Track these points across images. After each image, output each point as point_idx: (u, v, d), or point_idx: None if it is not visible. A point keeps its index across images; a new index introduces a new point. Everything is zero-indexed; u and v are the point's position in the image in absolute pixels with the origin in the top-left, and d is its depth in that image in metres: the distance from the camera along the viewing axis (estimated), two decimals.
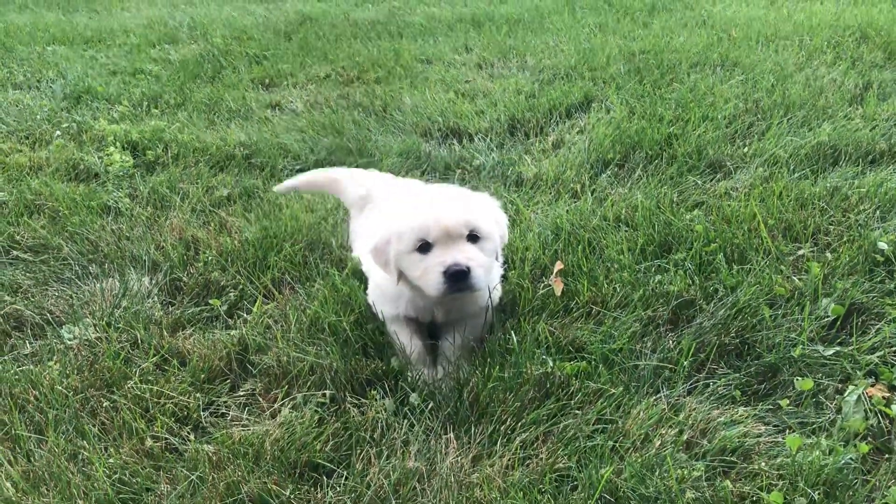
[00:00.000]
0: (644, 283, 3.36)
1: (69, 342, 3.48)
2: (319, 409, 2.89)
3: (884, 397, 2.73)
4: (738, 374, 2.91)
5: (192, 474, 2.61)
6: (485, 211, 3.11)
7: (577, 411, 2.77)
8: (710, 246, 3.56)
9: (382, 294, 3.26)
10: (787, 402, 2.76)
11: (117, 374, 3.15)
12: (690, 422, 2.68)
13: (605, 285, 3.36)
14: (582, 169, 4.63)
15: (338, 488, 2.56)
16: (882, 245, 3.48)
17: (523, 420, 2.75)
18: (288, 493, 2.52)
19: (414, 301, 3.16)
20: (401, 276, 3.02)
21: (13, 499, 2.55)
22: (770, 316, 3.11)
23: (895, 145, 4.62)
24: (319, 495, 2.54)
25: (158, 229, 4.38)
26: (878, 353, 2.93)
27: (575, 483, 2.49)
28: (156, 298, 3.76)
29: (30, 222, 4.44)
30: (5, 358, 3.37)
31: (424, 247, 2.91)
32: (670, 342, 3.06)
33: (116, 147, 5.49)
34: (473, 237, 2.97)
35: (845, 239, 3.63)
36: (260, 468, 2.63)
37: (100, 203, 4.68)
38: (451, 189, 3.35)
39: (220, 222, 4.42)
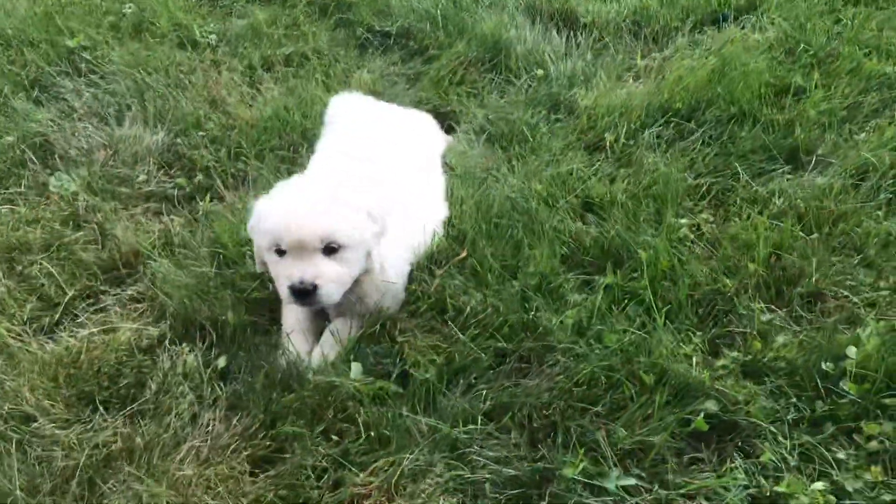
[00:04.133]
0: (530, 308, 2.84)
1: (52, 189, 3.87)
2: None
3: None
4: None
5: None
6: (349, 216, 2.78)
7: None
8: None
9: None
10: None
11: (51, 238, 3.48)
12: None
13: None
14: (635, 113, 3.79)
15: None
16: None
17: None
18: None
19: None
20: (265, 265, 2.87)
21: None
22: None
23: None
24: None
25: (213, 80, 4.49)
26: None
27: None
28: (151, 163, 3.97)
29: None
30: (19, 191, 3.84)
31: (280, 251, 2.72)
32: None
33: None
34: (330, 249, 2.72)
35: None
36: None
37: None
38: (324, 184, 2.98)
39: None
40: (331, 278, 2.70)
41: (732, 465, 2.35)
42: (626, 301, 2.83)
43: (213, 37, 4.95)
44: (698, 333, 2.73)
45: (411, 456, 2.47)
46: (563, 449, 2.43)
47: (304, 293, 2.67)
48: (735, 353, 2.65)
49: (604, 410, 2.52)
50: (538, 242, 3.08)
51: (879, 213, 3.12)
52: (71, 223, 3.61)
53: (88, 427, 2.70)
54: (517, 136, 3.79)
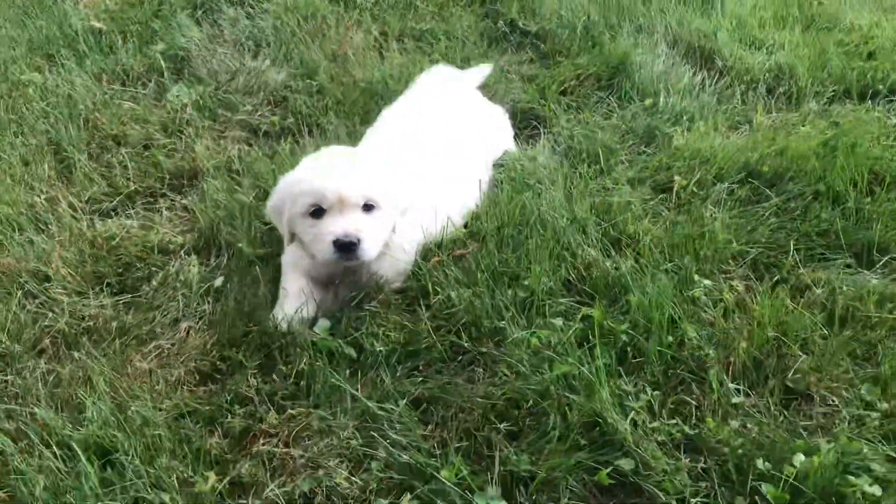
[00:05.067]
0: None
1: (169, 98, 4.28)
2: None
3: None
4: None
5: None
6: (385, 181, 2.94)
7: None
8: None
9: (292, 256, 3.12)
10: None
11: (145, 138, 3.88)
12: None
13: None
14: (717, 164, 3.58)
15: None
16: None
17: None
18: None
19: (312, 268, 3.05)
20: (293, 237, 3.00)
21: None
22: None
23: None
24: None
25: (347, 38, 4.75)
26: None
27: None
28: (260, 97, 4.29)
29: None
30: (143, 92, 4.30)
31: (317, 212, 2.86)
32: None
33: None
34: (368, 207, 2.87)
35: None
36: None
37: None
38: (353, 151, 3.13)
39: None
40: (371, 234, 2.83)
41: None
42: (600, 339, 2.72)
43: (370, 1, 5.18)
44: (656, 393, 2.58)
45: (324, 414, 2.55)
46: (455, 453, 2.40)
47: (349, 246, 2.78)
48: (679, 423, 2.48)
49: (515, 430, 2.46)
50: (545, 260, 3.02)
51: None
52: (168, 129, 3.97)
53: (86, 301, 3.00)
54: (592, 156, 3.70)
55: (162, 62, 4.47)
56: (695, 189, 3.48)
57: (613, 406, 2.50)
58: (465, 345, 2.78)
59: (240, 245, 3.21)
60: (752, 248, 3.17)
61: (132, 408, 2.53)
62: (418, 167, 3.17)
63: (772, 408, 2.56)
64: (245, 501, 2.34)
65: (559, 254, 3.08)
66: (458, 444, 2.45)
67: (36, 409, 2.50)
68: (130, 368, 2.74)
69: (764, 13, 4.91)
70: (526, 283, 2.96)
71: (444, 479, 2.31)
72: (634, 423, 2.47)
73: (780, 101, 4.19)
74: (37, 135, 3.90)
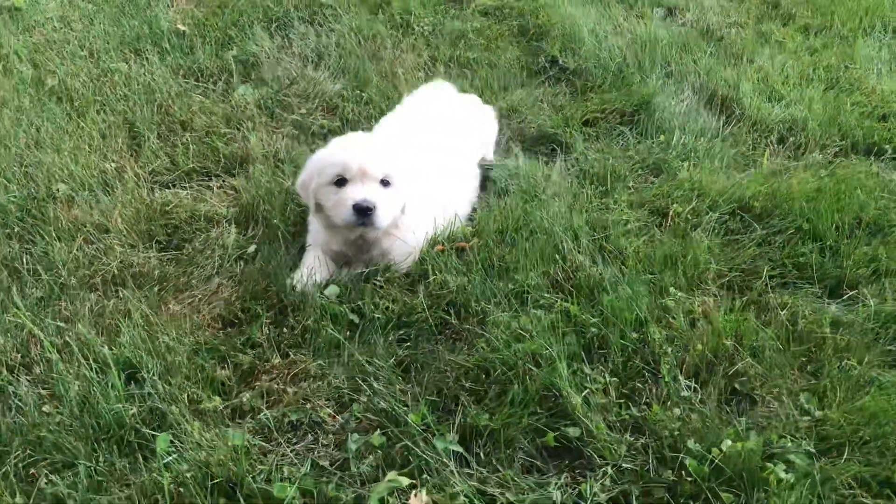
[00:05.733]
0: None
1: (236, 95, 4.80)
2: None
3: None
4: None
5: None
6: (402, 161, 3.41)
7: None
8: None
9: (313, 233, 3.60)
10: None
11: (209, 125, 4.41)
12: None
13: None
14: (711, 196, 3.90)
15: None
16: None
17: None
18: None
19: (329, 243, 3.51)
20: (318, 207, 3.42)
21: None
22: None
23: None
24: None
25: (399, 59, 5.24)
26: None
27: None
28: (315, 103, 4.79)
29: None
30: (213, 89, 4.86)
31: (341, 182, 3.31)
32: None
33: None
34: (385, 182, 3.32)
35: None
36: None
37: None
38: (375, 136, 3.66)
39: None
40: (385, 204, 3.28)
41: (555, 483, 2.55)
42: (572, 328, 3.07)
43: (427, 27, 5.66)
44: (614, 379, 2.90)
45: (321, 362, 2.95)
46: (425, 404, 2.76)
47: (366, 210, 3.22)
48: (629, 406, 2.80)
49: (481, 392, 2.82)
50: (536, 259, 3.39)
51: (876, 362, 3.03)
52: (229, 121, 4.48)
53: (136, 252, 3.48)
54: (600, 179, 4.06)
55: (233, 64, 5.00)
56: (689, 216, 3.79)
57: (571, 384, 2.83)
58: (453, 322, 3.15)
59: (274, 221, 3.66)
60: (730, 271, 3.47)
61: (160, 338, 2.98)
62: (424, 161, 3.59)
63: (715, 403, 2.85)
64: (241, 422, 2.74)
65: (550, 255, 3.43)
66: (429, 398, 2.81)
67: (80, 326, 2.96)
68: (164, 309, 3.20)
69: (791, 71, 5.21)
70: (517, 276, 3.33)
71: (411, 422, 2.68)
72: (587, 400, 2.80)
73: (788, 149, 4.47)
74: (115, 114, 4.45)
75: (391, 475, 2.54)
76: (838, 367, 2.97)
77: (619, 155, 4.33)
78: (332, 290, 3.28)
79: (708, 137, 4.50)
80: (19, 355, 2.95)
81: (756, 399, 2.90)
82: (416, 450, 2.61)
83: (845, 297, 3.37)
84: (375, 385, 2.86)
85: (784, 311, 3.24)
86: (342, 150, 3.37)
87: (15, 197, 3.75)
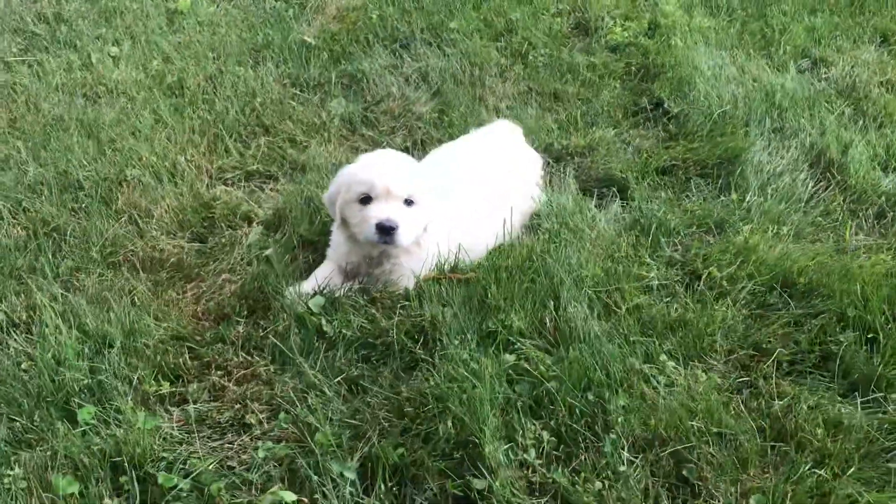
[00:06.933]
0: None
1: (328, 108, 5.02)
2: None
3: None
4: None
5: None
6: (426, 184, 3.46)
7: None
8: None
9: (334, 245, 3.69)
10: None
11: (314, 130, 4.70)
12: None
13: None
14: (751, 266, 3.53)
15: None
16: None
17: None
18: None
19: (349, 255, 3.59)
20: (343, 222, 3.51)
21: None
22: None
23: None
24: None
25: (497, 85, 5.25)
26: None
27: None
28: (404, 121, 4.92)
29: None
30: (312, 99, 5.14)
31: (366, 199, 3.40)
32: None
33: None
34: (409, 202, 3.40)
35: None
36: None
37: None
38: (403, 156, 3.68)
39: None
40: (407, 224, 3.36)
41: None
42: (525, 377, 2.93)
43: (543, 59, 5.59)
44: (551, 438, 2.73)
45: (271, 368, 3.06)
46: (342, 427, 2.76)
47: (389, 230, 3.31)
48: (557, 468, 2.63)
49: (408, 426, 2.77)
50: (527, 303, 3.26)
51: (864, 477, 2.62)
52: (310, 127, 4.71)
53: (168, 239, 3.75)
54: (646, 229, 3.81)
55: (333, 77, 5.24)
56: (724, 282, 3.47)
57: (497, 434, 2.70)
58: (414, 350, 3.10)
59: (299, 229, 3.80)
60: (740, 348, 3.14)
61: (143, 320, 3.19)
62: (448, 194, 3.56)
63: (650, 487, 2.60)
64: (173, 410, 2.88)
65: (544, 300, 3.28)
66: (347, 421, 2.80)
67: (71, 298, 3.26)
68: (164, 295, 3.42)
69: None
70: (500, 316, 3.22)
71: (316, 441, 2.68)
72: (508, 454, 2.65)
73: (885, 226, 3.95)
74: (213, 112, 4.82)
75: (275, 489, 2.56)
76: (809, 472, 2.59)
77: (681, 208, 4.04)
78: (317, 301, 3.35)
79: (791, 202, 4.07)
80: (25, 315, 3.27)
81: (699, 492, 2.60)
82: (310, 470, 2.62)
83: (869, 398, 2.93)
84: (310, 400, 2.89)
85: (779, 402, 2.88)
86: (369, 169, 3.44)
87: (89, 174, 4.16)
